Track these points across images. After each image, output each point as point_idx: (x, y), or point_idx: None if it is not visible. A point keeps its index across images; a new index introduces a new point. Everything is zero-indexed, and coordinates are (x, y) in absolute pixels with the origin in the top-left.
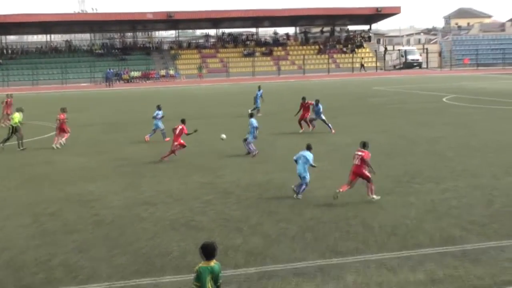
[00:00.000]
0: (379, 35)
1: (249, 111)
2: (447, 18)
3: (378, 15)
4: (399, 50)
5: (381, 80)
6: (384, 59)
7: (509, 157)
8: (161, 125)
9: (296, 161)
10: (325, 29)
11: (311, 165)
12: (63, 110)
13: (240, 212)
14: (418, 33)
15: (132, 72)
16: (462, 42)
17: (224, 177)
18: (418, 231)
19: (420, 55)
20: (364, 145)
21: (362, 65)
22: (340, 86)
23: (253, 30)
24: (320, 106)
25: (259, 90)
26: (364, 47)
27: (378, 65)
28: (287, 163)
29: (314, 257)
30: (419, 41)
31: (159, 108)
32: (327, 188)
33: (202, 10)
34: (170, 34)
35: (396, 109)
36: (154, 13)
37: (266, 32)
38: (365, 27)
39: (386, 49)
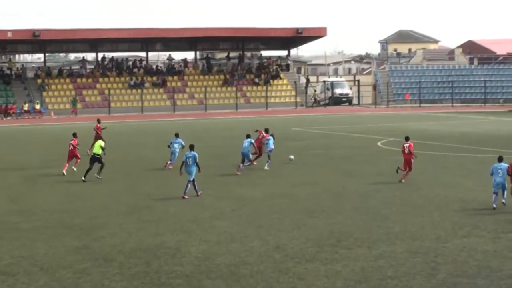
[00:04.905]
0: (300, 63)
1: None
2: (384, 43)
3: (298, 38)
4: (324, 81)
5: (302, 119)
6: (306, 93)
7: (457, 215)
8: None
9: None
10: (233, 54)
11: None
12: (75, 136)
13: (124, 284)
14: (348, 61)
15: None
16: (401, 72)
17: (104, 240)
18: None
19: (351, 88)
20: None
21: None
22: (250, 126)
23: (142, 54)
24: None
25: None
26: (281, 78)
27: (298, 100)
28: (182, 222)
29: None
30: (349, 71)
31: (177, 136)
32: (233, 254)
33: (77, 28)
34: (36, 58)
35: (320, 156)
36: (14, 32)
37: (158, 57)
38: (283, 53)
39: (308, 80)
